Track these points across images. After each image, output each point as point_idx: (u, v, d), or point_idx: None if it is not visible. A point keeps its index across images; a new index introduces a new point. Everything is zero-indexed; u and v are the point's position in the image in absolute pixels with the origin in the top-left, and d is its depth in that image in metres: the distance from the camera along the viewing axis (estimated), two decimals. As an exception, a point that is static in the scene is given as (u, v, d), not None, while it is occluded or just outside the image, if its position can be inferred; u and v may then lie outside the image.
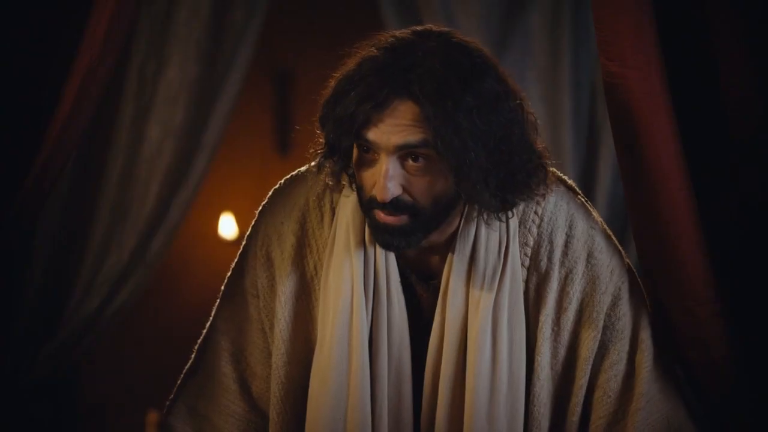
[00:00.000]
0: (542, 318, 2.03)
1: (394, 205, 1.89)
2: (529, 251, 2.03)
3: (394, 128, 1.86)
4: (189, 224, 3.75)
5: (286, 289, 2.08)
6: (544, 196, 1.98)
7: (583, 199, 2.08)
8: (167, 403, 2.20)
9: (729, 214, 2.07)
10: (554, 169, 2.04)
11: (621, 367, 2.05)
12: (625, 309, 2.05)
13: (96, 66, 2.15)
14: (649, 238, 2.09)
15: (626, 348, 2.05)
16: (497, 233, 1.99)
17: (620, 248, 2.08)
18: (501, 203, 1.92)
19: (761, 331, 2.08)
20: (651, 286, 2.10)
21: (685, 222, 2.03)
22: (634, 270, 2.08)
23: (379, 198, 1.89)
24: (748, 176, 2.04)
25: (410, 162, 1.89)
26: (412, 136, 1.86)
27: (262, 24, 3.50)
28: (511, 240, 2.00)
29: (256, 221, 2.15)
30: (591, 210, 2.08)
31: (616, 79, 2.01)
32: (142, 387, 4.65)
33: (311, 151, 2.00)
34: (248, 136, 4.72)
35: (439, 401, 2.00)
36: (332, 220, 2.06)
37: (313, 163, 2.04)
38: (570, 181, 2.09)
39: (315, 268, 2.08)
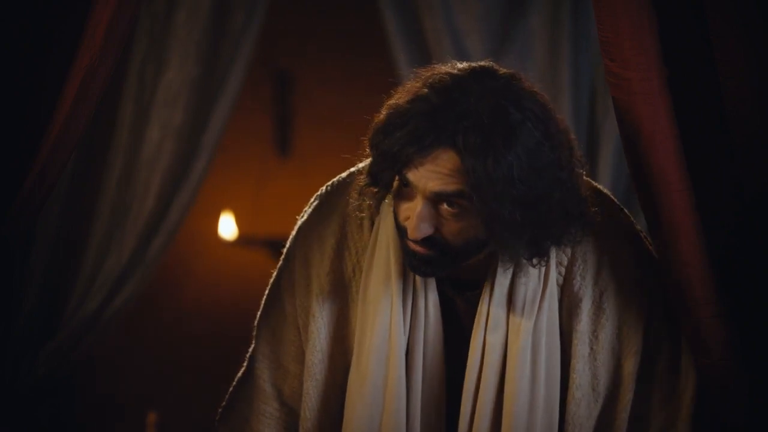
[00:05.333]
0: (577, 335, 2.03)
1: (424, 242, 1.92)
2: (563, 270, 2.03)
3: (432, 174, 1.87)
4: (189, 224, 3.75)
5: (324, 288, 2.10)
6: (580, 241, 1.99)
7: (618, 207, 2.09)
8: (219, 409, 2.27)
9: (729, 214, 2.07)
10: (588, 179, 2.04)
11: (664, 380, 2.06)
12: (662, 321, 2.06)
13: (96, 66, 2.15)
14: (650, 239, 2.09)
15: (668, 360, 2.06)
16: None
17: (654, 257, 2.08)
18: (532, 253, 1.93)
19: (761, 332, 2.08)
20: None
21: (685, 222, 2.03)
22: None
23: (409, 236, 1.91)
24: (748, 176, 2.04)
25: (445, 206, 1.90)
26: (448, 186, 1.87)
27: (262, 24, 3.50)
28: (551, 263, 2.01)
29: (298, 226, 2.16)
30: (625, 220, 2.08)
31: (618, 80, 2.01)
32: (142, 387, 4.66)
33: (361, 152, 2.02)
34: (248, 136, 4.73)
35: (475, 424, 2.01)
36: (371, 224, 2.08)
37: (353, 169, 2.10)
38: (605, 190, 2.10)
39: (353, 270, 2.10)
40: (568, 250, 2.02)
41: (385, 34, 3.50)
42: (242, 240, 4.71)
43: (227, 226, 4.74)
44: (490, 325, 2.00)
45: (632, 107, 2.00)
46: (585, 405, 2.03)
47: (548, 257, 1.96)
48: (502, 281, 2.00)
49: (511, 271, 2.00)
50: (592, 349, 2.04)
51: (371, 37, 3.82)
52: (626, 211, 2.11)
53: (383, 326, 2.02)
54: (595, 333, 2.03)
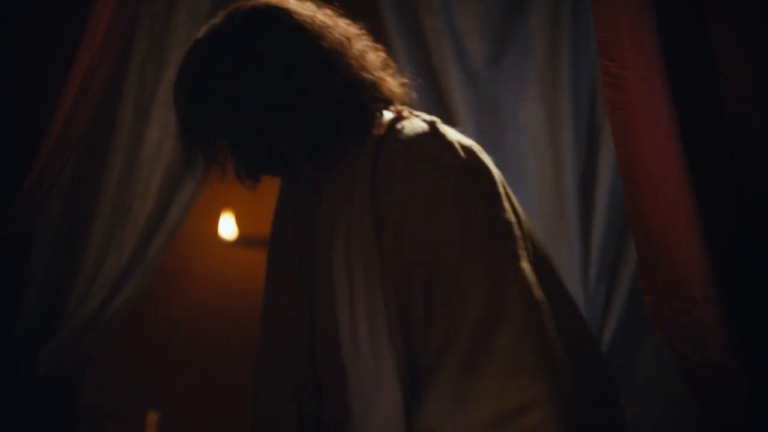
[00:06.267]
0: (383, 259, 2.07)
1: None
2: (373, 187, 2.09)
3: None
4: (189, 224, 3.75)
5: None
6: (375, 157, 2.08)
7: (431, 135, 2.10)
8: None
9: (729, 214, 2.07)
10: (404, 109, 2.16)
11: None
12: (446, 266, 2.02)
13: (96, 66, 2.15)
14: (649, 239, 2.08)
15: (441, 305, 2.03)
16: (345, 177, 2.11)
17: (466, 187, 2.06)
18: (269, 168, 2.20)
19: (761, 332, 2.08)
20: (651, 285, 2.10)
21: (685, 223, 2.03)
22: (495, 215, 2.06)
23: None
24: (748, 176, 2.04)
25: None
26: None
27: (261, 24, 3.49)
28: (357, 183, 2.09)
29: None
30: (441, 149, 2.08)
31: (616, 79, 2.01)
32: (142, 387, 4.66)
33: None
34: (248, 136, 4.72)
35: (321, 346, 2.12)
36: None
37: None
38: (422, 115, 2.15)
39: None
40: (373, 177, 2.08)
41: (385, 34, 3.50)
42: (242, 240, 4.71)
43: (227, 226, 4.74)
44: (320, 249, 2.14)
45: (631, 107, 2.00)
46: (386, 328, 2.04)
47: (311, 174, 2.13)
48: (327, 188, 2.15)
49: (331, 187, 2.13)
50: (383, 274, 2.05)
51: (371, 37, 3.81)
52: (447, 139, 2.10)
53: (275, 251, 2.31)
54: (392, 255, 2.05)
